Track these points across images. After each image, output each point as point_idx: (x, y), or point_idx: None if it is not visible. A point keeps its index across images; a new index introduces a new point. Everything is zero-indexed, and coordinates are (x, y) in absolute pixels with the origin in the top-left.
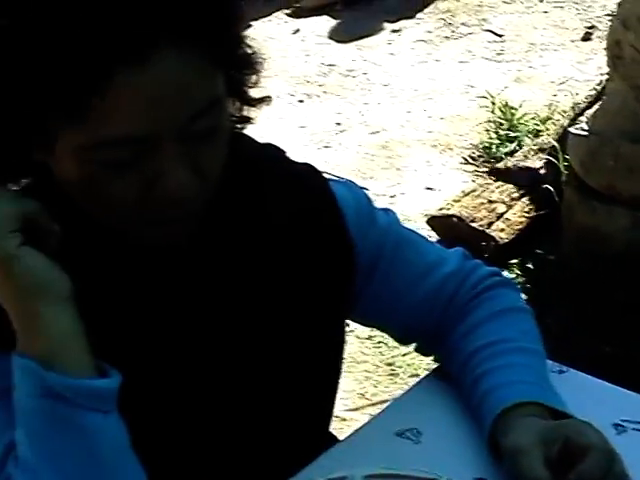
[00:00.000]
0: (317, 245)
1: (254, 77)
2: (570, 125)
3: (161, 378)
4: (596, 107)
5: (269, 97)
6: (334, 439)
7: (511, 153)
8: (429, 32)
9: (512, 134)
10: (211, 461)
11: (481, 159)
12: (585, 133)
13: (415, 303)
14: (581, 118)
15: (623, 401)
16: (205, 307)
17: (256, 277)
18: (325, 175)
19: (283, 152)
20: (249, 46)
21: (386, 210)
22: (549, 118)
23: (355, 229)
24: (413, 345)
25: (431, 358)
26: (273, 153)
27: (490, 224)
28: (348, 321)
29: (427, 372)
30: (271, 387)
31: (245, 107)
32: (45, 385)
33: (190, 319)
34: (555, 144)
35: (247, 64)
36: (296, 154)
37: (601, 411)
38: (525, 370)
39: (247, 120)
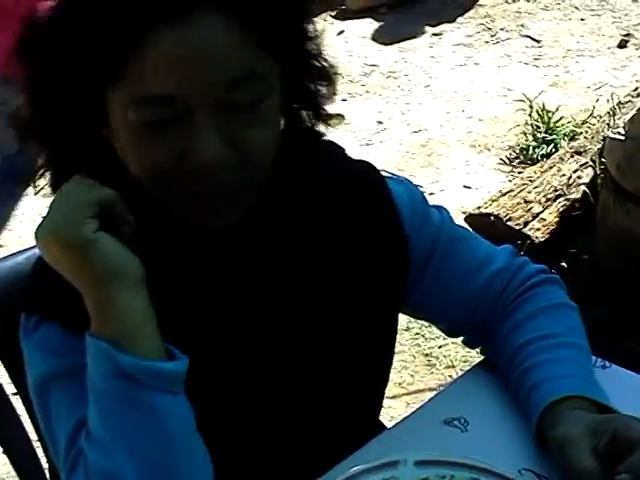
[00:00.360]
0: (373, 239)
1: (329, 91)
2: (606, 129)
3: (220, 364)
4: (633, 112)
5: (342, 115)
6: (383, 427)
7: (547, 155)
8: (469, 36)
9: (548, 137)
10: (267, 444)
11: (517, 160)
12: (622, 137)
13: (465, 298)
14: (618, 122)
15: None
16: (265, 295)
17: (314, 267)
18: (382, 173)
19: (342, 149)
20: (325, 59)
21: (439, 208)
22: (585, 122)
23: (410, 225)
24: (448, 337)
25: (467, 350)
26: (333, 150)
27: (526, 223)
28: None
29: (463, 363)
30: (326, 375)
31: (317, 122)
32: (118, 366)
33: (250, 306)
34: (591, 147)
35: (321, 75)
36: None
37: None
38: (572, 364)
39: (318, 135)
